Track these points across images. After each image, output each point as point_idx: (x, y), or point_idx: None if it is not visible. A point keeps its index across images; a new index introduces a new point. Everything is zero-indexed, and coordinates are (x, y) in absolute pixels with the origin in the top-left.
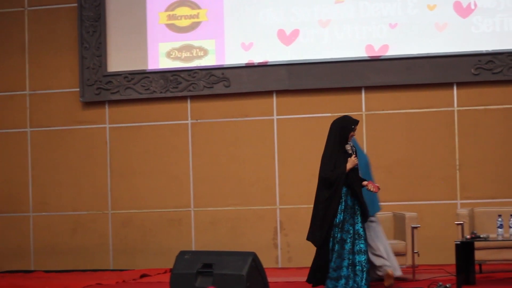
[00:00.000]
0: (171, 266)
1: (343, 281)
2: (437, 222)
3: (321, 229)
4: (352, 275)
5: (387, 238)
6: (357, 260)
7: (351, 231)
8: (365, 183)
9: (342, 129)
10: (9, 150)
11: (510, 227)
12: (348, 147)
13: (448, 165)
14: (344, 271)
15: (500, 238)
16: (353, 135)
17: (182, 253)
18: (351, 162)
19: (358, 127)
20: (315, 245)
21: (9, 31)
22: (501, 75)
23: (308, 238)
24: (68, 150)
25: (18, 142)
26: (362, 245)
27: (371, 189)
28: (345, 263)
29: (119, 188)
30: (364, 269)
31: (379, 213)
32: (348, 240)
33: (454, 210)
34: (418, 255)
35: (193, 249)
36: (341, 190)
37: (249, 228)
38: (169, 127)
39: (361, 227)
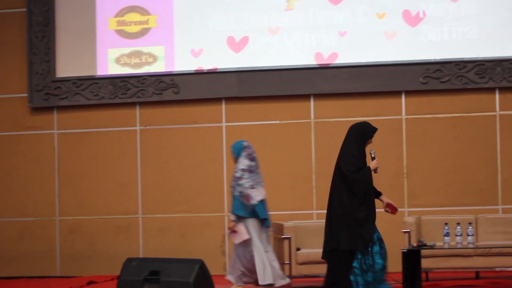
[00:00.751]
0: (118, 273)
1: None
2: (384, 230)
3: (368, 230)
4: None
5: None
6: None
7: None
8: (387, 201)
9: (363, 134)
10: None
11: (456, 235)
12: (372, 153)
13: (395, 173)
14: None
15: (446, 246)
16: (370, 142)
17: (129, 260)
18: (374, 163)
19: (307, 133)
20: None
21: None
22: (448, 84)
23: (347, 247)
24: (16, 155)
25: None
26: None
27: (389, 211)
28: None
29: (67, 194)
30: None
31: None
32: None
33: (401, 218)
34: None
35: (141, 256)
36: (372, 191)
37: (197, 235)
38: (118, 134)
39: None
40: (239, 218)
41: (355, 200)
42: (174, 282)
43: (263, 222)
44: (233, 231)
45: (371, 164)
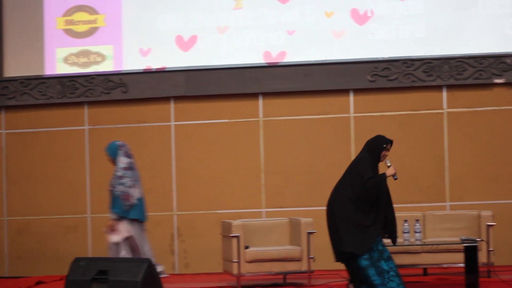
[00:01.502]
0: (66, 273)
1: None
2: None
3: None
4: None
5: (283, 243)
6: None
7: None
8: None
9: (376, 148)
10: None
11: (404, 232)
12: (387, 162)
13: (342, 171)
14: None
15: (406, 243)
16: (385, 154)
17: (77, 260)
18: (390, 170)
19: (256, 132)
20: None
21: None
22: (396, 82)
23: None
24: None
25: None
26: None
27: None
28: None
29: (15, 194)
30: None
31: (276, 218)
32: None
33: None
34: (314, 261)
35: (90, 255)
36: (384, 197)
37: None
38: (66, 133)
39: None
40: (121, 218)
41: (364, 206)
42: (122, 281)
43: (141, 220)
44: (112, 230)
45: (387, 171)
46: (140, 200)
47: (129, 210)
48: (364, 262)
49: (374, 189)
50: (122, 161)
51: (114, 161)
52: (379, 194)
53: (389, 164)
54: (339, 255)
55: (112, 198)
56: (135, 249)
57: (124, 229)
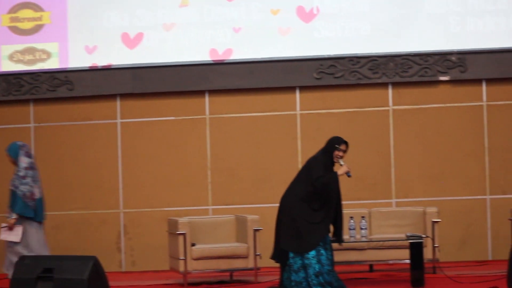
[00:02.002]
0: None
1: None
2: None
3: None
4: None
5: (230, 241)
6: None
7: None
8: None
9: (329, 148)
10: None
11: (350, 229)
12: (341, 162)
13: (291, 168)
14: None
15: (352, 240)
16: (339, 155)
17: (22, 258)
18: (342, 168)
19: (202, 129)
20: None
21: None
22: (342, 79)
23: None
24: None
25: None
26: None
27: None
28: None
29: None
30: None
31: (223, 215)
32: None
33: None
34: (260, 258)
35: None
36: (335, 196)
37: (92, 232)
38: (11, 131)
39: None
40: (20, 217)
41: (315, 204)
42: (68, 279)
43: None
44: (9, 228)
45: (339, 170)
46: (40, 200)
47: (31, 209)
48: (299, 261)
49: (322, 188)
50: (24, 161)
51: (15, 161)
52: (329, 193)
53: (341, 163)
54: (276, 253)
55: (12, 197)
56: (32, 249)
57: (23, 229)
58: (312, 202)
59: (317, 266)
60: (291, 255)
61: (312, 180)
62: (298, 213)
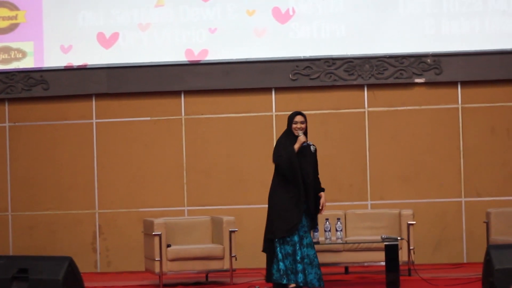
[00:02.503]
0: None
1: (300, 275)
2: (254, 225)
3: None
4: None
5: (206, 242)
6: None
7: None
8: (322, 201)
9: (288, 124)
10: None
11: (325, 230)
12: (299, 133)
13: (267, 169)
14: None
15: (328, 241)
16: (297, 128)
17: None
18: (298, 141)
19: (178, 130)
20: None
21: None
22: (318, 80)
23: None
24: None
25: None
26: (309, 239)
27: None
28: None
29: None
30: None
31: (198, 216)
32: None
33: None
34: (236, 259)
35: (11, 254)
36: (298, 171)
37: (67, 232)
38: None
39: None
40: None
41: (288, 187)
42: (43, 280)
43: None
44: None
45: (296, 144)
46: None
47: None
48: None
49: (283, 168)
50: None
51: None
52: (291, 171)
53: (300, 135)
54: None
55: None
56: None
57: None
58: (285, 186)
59: (279, 255)
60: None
61: (274, 160)
62: (272, 202)
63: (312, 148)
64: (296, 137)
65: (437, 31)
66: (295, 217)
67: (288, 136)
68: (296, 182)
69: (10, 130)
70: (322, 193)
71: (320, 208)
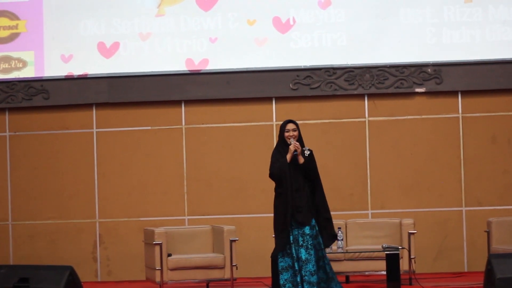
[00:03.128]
0: None
1: None
2: (255, 234)
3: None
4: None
5: (206, 251)
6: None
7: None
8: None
9: (280, 133)
10: None
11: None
12: (291, 141)
13: (267, 178)
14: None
15: (328, 251)
16: (289, 137)
17: None
18: (289, 150)
19: (179, 139)
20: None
21: None
22: (318, 90)
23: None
24: None
25: None
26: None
27: None
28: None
29: None
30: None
31: (199, 226)
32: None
33: (272, 222)
34: (237, 268)
35: (11, 263)
36: (289, 182)
37: (68, 241)
38: None
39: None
40: None
41: (278, 200)
42: None
43: None
44: None
45: (288, 154)
46: None
47: None
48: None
49: (275, 178)
50: None
51: None
52: (281, 183)
53: (291, 143)
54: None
55: None
56: None
57: None
58: (280, 198)
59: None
60: None
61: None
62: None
63: (306, 152)
64: (288, 145)
65: (438, 41)
66: (284, 234)
67: (281, 147)
68: (288, 194)
69: (11, 140)
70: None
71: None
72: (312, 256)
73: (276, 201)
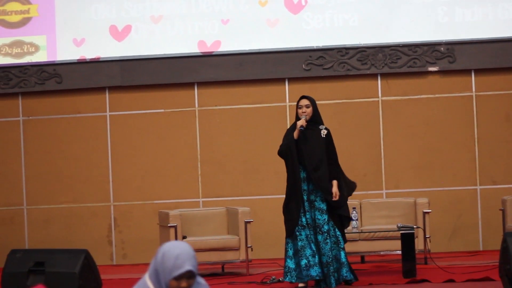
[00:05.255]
0: (3, 265)
1: (315, 269)
2: (269, 216)
3: (289, 215)
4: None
5: (221, 233)
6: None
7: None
8: (333, 190)
9: (296, 113)
10: None
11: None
12: (298, 122)
13: (280, 160)
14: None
15: None
16: (301, 113)
17: (14, 252)
18: (298, 123)
19: (192, 121)
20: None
21: None
22: (331, 70)
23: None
24: None
25: None
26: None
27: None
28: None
29: None
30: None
31: (213, 208)
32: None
33: None
34: (252, 250)
35: (27, 247)
36: (295, 159)
37: (83, 225)
38: (0, 124)
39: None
40: None
41: (288, 182)
42: (59, 273)
43: None
44: None
45: (295, 131)
46: None
47: None
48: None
49: (282, 155)
50: None
51: None
52: (288, 159)
53: (302, 118)
54: None
55: None
56: None
57: None
58: (290, 180)
59: (289, 252)
60: None
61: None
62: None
63: (323, 132)
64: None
65: (450, 19)
66: (294, 214)
67: (294, 124)
68: (294, 173)
69: (24, 124)
70: (334, 182)
71: (334, 196)
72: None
73: (288, 183)
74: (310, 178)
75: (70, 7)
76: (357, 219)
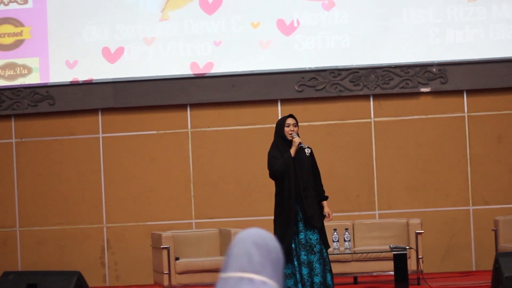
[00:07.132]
0: None
1: None
2: None
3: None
4: None
5: (214, 254)
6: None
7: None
8: (326, 210)
9: (279, 129)
10: None
11: (333, 241)
12: (293, 136)
13: (272, 181)
14: None
15: (336, 252)
16: (289, 132)
17: (6, 274)
18: (293, 143)
19: (185, 143)
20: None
21: None
22: (323, 91)
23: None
24: None
25: None
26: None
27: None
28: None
29: None
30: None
31: (206, 229)
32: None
33: None
34: None
35: (19, 269)
36: (292, 178)
37: (76, 247)
38: None
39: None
40: None
41: (278, 207)
42: None
43: None
44: None
45: (292, 148)
46: None
47: None
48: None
49: (280, 174)
50: None
51: None
52: (285, 178)
53: (294, 137)
54: None
55: None
56: None
57: None
58: (280, 205)
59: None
60: None
61: (270, 176)
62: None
63: (307, 151)
64: (288, 141)
65: (442, 40)
66: (285, 239)
67: (280, 144)
68: (289, 192)
69: (17, 146)
70: (324, 202)
71: (327, 217)
72: (316, 260)
73: (277, 210)
74: (301, 198)
75: (63, 29)
76: (349, 240)
